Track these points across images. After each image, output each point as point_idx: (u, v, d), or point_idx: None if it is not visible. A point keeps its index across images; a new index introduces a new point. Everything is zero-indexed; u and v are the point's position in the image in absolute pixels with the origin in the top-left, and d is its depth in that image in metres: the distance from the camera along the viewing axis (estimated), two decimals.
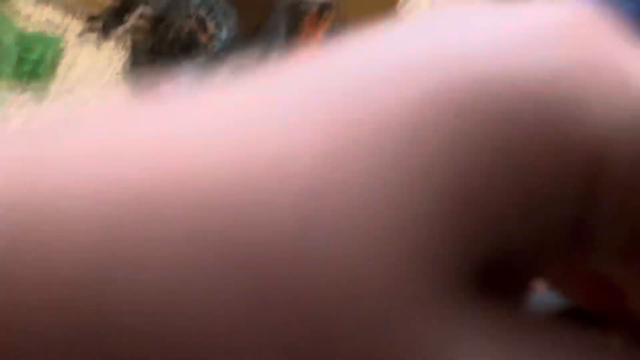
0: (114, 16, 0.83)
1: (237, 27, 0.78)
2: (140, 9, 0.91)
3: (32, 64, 0.69)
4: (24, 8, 0.87)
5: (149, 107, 0.09)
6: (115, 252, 0.07)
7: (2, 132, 0.10)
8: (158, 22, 0.71)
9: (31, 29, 0.78)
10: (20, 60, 0.69)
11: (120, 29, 0.87)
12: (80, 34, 0.83)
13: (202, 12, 0.75)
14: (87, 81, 0.72)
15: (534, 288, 0.12)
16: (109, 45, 0.84)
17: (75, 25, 0.85)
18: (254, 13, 0.80)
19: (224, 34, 0.78)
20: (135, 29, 0.77)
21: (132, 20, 0.89)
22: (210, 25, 0.74)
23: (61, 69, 0.75)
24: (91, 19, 0.83)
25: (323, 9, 0.76)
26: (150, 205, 0.07)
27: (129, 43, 0.74)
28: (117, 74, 0.77)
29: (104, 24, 0.83)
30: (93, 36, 0.85)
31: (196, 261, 0.07)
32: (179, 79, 0.67)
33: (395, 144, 0.08)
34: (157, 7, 0.79)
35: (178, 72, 0.69)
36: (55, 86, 0.71)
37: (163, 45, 0.69)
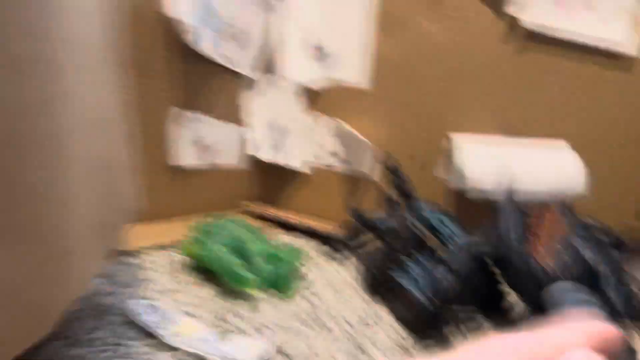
0: (353, 235, 1.04)
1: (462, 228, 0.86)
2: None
3: (278, 275, 0.85)
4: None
5: None
6: None
7: None
8: (389, 233, 0.84)
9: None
10: (268, 272, 0.84)
11: (357, 246, 1.07)
12: (322, 252, 1.04)
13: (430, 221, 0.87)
14: (327, 292, 0.86)
15: None
16: (348, 260, 1.01)
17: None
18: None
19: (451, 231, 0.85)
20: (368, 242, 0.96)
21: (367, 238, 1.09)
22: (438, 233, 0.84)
23: (303, 281, 0.90)
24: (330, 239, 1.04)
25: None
26: None
27: (364, 256, 0.91)
28: (355, 283, 0.90)
29: (345, 242, 1.04)
30: (332, 253, 1.06)
31: None
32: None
33: None
34: (388, 222, 0.92)
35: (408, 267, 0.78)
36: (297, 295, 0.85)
37: (395, 252, 0.82)
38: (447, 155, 1.09)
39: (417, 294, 0.71)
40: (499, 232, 0.76)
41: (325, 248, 1.05)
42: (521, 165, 1.01)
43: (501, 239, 0.75)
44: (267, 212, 1.18)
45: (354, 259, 1.03)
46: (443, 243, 0.82)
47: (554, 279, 0.73)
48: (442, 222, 0.97)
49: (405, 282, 0.78)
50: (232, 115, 1.11)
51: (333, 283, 0.92)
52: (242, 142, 1.14)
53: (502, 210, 0.77)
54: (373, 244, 1.01)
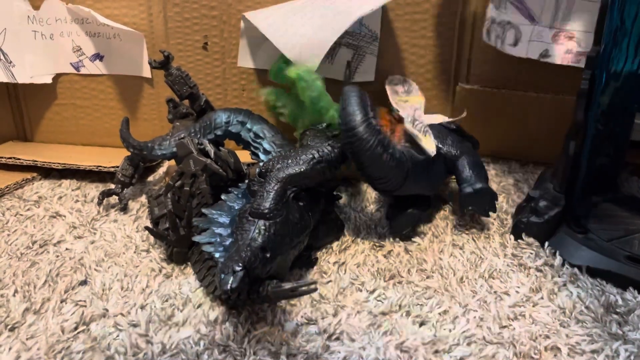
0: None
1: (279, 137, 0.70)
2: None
3: None
4: None
5: None
6: None
7: None
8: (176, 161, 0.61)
9: None
10: None
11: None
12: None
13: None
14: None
15: None
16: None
17: None
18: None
19: (266, 146, 0.68)
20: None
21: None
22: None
23: None
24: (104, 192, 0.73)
25: None
26: None
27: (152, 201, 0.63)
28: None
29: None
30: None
31: None
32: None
33: None
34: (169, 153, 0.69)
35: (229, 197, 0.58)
36: None
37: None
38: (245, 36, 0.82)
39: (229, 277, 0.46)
40: (342, 120, 0.57)
41: (101, 194, 0.73)
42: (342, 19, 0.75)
43: (346, 125, 0.57)
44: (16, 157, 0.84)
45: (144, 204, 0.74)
46: (260, 174, 0.57)
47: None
48: (249, 130, 0.70)
49: (212, 250, 0.52)
50: None
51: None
52: None
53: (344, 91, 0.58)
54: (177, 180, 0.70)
